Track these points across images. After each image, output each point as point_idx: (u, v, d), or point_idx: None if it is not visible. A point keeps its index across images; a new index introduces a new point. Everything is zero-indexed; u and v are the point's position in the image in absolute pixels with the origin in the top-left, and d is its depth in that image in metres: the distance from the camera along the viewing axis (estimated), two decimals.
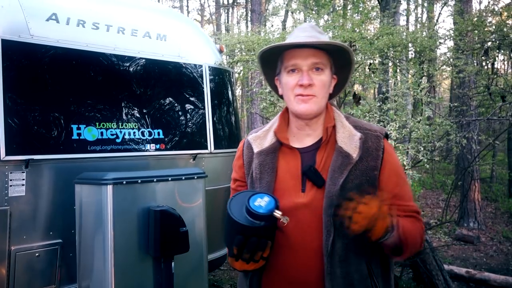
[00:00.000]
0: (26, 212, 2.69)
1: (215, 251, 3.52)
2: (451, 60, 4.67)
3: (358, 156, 1.28)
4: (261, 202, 1.16)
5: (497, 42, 4.62)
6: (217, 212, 3.42)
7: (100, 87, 3.08)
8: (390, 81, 6.25)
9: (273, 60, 1.39)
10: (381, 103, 3.95)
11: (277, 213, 1.15)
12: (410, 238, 1.25)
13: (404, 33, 4.90)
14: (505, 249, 6.69)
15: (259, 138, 1.43)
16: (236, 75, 9.86)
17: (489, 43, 4.75)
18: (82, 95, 2.98)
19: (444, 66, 5.04)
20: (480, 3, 17.92)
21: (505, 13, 5.55)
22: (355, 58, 4.30)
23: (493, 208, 9.59)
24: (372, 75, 4.39)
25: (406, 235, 1.23)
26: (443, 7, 12.57)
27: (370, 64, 4.28)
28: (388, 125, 3.57)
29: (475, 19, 4.99)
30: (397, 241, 1.22)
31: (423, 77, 4.34)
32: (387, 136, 1.38)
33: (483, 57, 4.75)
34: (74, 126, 2.88)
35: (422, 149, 3.57)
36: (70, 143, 2.84)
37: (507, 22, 4.77)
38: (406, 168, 3.43)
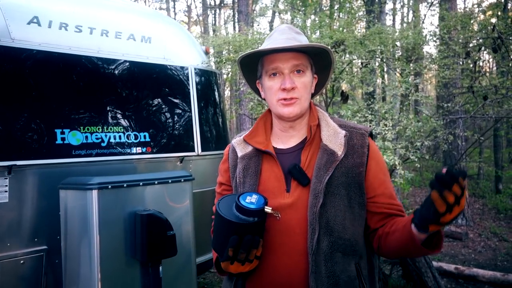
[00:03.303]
0: (10, 219, 2.64)
1: (204, 254, 3.50)
2: (436, 57, 4.71)
3: (343, 154, 1.28)
4: (252, 199, 1.22)
5: (480, 40, 4.67)
6: (205, 214, 3.39)
7: (84, 90, 3.04)
8: (378, 80, 6.28)
9: (253, 63, 1.39)
10: (369, 101, 3.94)
11: (268, 209, 1.21)
12: None
13: (390, 31, 4.91)
14: (493, 244, 6.77)
15: (243, 142, 1.43)
16: (225, 76, 9.84)
17: (474, 41, 4.80)
18: (65, 99, 2.94)
19: (430, 65, 5.08)
20: (465, 1, 18.17)
21: (490, 12, 5.60)
22: (345, 58, 4.31)
23: (481, 205, 9.70)
24: (361, 74, 4.40)
25: None
26: (430, 5, 12.68)
27: (363, 66, 4.27)
28: (381, 123, 3.54)
29: (460, 16, 5.03)
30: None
31: (410, 76, 4.35)
32: (371, 135, 1.39)
33: (465, 58, 4.81)
34: (58, 131, 2.84)
35: (410, 147, 3.55)
36: (54, 148, 2.80)
37: (491, 21, 4.82)
38: (398, 168, 3.40)
